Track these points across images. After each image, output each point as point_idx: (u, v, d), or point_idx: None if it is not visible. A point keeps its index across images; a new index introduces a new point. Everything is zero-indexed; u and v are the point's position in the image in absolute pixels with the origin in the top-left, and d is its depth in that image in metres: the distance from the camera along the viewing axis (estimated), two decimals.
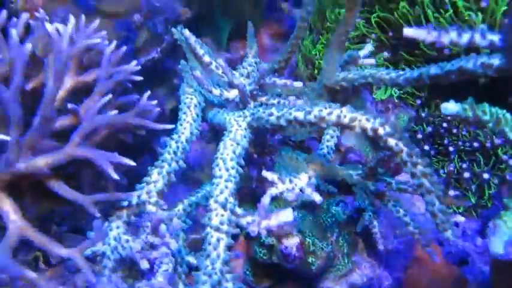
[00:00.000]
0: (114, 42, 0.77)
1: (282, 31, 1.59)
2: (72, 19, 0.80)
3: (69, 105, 0.69)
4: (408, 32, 0.57)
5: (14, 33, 0.66)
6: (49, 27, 0.69)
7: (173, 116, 1.25)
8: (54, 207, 0.87)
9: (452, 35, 0.56)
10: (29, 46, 0.65)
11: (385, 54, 1.12)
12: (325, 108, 0.74)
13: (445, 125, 1.24)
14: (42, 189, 0.76)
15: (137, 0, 0.93)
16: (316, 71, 1.18)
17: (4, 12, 0.72)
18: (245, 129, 0.81)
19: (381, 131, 0.70)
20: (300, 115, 0.75)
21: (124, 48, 0.79)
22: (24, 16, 0.80)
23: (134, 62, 0.76)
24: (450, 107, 0.66)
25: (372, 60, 0.99)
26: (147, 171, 0.81)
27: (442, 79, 0.77)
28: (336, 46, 0.92)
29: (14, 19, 0.85)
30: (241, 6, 1.38)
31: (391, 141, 0.70)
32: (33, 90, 0.82)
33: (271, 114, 0.79)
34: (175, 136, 0.82)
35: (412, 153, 0.69)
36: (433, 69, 0.77)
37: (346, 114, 0.72)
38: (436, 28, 0.57)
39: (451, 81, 0.76)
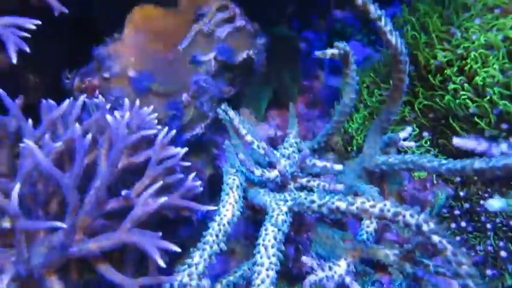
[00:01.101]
0: (166, 129, 0.81)
1: (317, 99, 1.62)
2: (127, 102, 0.86)
3: (123, 192, 0.72)
4: (458, 142, 0.58)
5: (78, 126, 0.70)
6: (108, 117, 0.73)
7: (210, 183, 1.28)
8: (95, 279, 0.90)
9: (503, 146, 0.57)
10: (89, 137, 0.70)
11: (425, 134, 1.13)
12: (368, 200, 0.75)
13: (482, 202, 1.22)
14: (86, 265, 0.79)
15: (186, 81, 0.98)
16: (354, 148, 1.20)
17: (66, 102, 0.78)
18: (286, 213, 0.83)
19: (424, 228, 0.70)
20: (342, 205, 0.76)
21: (173, 132, 0.83)
22: (82, 98, 0.86)
23: (185, 149, 0.80)
24: (495, 203, 0.66)
25: (412, 144, 1.00)
26: (188, 252, 0.82)
27: (486, 174, 0.77)
28: (378, 131, 0.94)
29: (71, 99, 0.91)
30: (280, 77, 1.44)
31: (435, 238, 0.70)
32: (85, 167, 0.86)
33: (312, 202, 0.80)
34: (217, 218, 0.84)
35: (456, 252, 0.69)
36: (478, 163, 0.78)
37: (389, 208, 0.72)
38: (483, 138, 0.58)
39: (496, 176, 0.76)
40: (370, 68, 1.29)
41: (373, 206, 0.74)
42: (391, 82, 1.16)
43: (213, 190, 1.28)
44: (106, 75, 0.97)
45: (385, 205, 0.73)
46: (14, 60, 0.73)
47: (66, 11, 0.82)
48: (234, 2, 1.09)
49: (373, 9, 0.73)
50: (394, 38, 0.77)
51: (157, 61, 0.99)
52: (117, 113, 0.77)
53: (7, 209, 0.64)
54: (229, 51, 1.00)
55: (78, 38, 1.08)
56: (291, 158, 0.97)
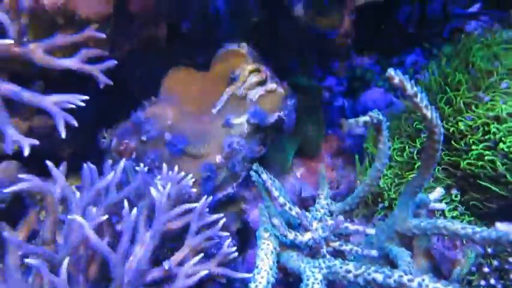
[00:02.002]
0: (204, 198, 0.83)
1: (341, 148, 1.64)
2: (165, 169, 0.89)
3: (165, 265, 0.74)
4: (501, 227, 0.59)
5: (126, 205, 0.73)
6: (153, 191, 0.76)
7: (238, 238, 1.29)
8: None
9: None
10: (134, 211, 0.72)
11: (454, 191, 1.13)
12: (406, 274, 0.75)
13: (511, 260, 1.21)
14: None
15: (220, 143, 1.01)
16: (386, 202, 1.20)
17: (111, 175, 0.80)
18: (321, 281, 0.83)
19: None
20: (379, 277, 0.77)
21: (210, 198, 0.85)
22: (122, 164, 0.89)
23: (223, 220, 0.82)
24: None
25: (442, 205, 1.01)
26: None
27: None
28: (410, 195, 0.95)
29: (109, 161, 0.94)
30: (304, 128, 1.46)
31: None
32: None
33: (348, 271, 0.81)
34: (252, 285, 0.85)
35: None
36: None
37: (428, 283, 0.73)
38: None
39: None
40: (395, 126, 1.31)
41: (411, 280, 0.74)
42: (418, 144, 1.18)
43: (241, 244, 1.29)
44: (143, 138, 1.00)
45: (423, 280, 0.74)
46: (63, 135, 0.76)
47: (111, 83, 0.87)
48: (265, 65, 1.13)
49: (410, 87, 0.76)
50: (429, 113, 0.78)
51: (192, 124, 1.02)
52: (159, 184, 0.79)
53: (57, 286, 0.66)
54: (261, 114, 1.03)
55: (109, 93, 1.12)
56: (323, 220, 0.98)
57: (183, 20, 1.09)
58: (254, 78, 1.06)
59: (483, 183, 1.07)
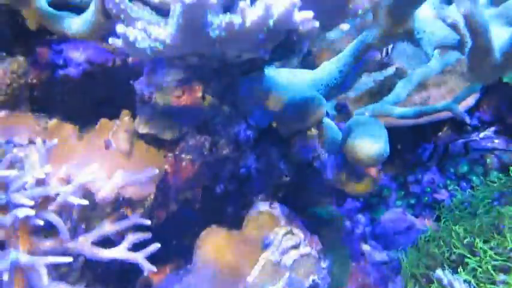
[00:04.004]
0: None
1: (366, 281, 1.61)
2: None
3: None
4: None
5: None
6: None
7: None
8: None
9: None
10: None
11: None
12: None
13: None
14: None
15: None
16: None
17: None
18: None
19: None
20: None
21: None
22: None
23: None
24: None
25: None
26: None
27: None
28: None
29: None
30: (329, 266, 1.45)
31: None
32: None
33: None
34: None
35: None
36: None
37: None
38: None
39: None
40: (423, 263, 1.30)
41: None
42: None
43: None
44: None
45: None
46: None
47: (155, 270, 0.88)
48: (295, 221, 1.15)
49: (459, 285, 0.77)
50: None
51: None
52: None
53: None
54: (296, 281, 1.04)
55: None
56: None
57: (217, 183, 1.13)
58: (287, 243, 1.08)
59: None
